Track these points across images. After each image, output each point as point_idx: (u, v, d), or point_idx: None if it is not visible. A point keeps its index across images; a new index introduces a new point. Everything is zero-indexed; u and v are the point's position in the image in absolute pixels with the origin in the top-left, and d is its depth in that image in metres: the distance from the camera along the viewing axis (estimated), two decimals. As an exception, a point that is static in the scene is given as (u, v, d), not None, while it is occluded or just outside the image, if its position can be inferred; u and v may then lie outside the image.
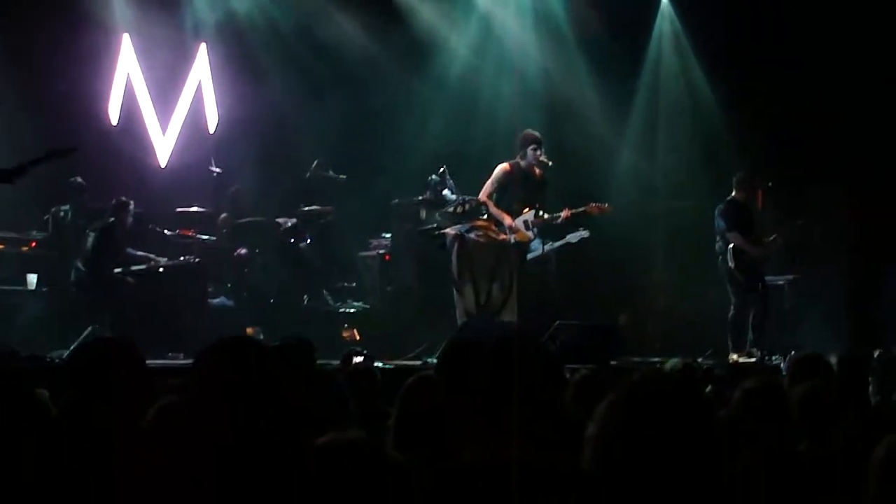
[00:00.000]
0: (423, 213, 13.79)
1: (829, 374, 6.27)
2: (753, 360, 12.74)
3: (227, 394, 3.24)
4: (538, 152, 12.51)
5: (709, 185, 15.19)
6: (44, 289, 12.89)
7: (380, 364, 10.02)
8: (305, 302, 13.89)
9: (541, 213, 12.58)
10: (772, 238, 13.43)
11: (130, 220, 13.11)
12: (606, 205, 13.10)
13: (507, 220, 12.50)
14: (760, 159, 14.80)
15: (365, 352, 9.90)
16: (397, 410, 4.74)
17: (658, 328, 15.16)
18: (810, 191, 15.28)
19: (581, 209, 12.90)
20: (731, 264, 13.17)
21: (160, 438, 3.63)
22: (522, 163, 12.60)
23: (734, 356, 12.87)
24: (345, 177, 14.79)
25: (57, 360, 10.32)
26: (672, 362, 9.42)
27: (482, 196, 12.60)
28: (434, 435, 3.71)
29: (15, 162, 9.79)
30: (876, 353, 8.67)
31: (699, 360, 12.19)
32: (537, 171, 12.65)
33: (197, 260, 13.35)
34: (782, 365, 10.66)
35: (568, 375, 5.34)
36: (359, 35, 15.75)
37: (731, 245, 13.14)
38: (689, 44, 16.72)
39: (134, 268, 12.83)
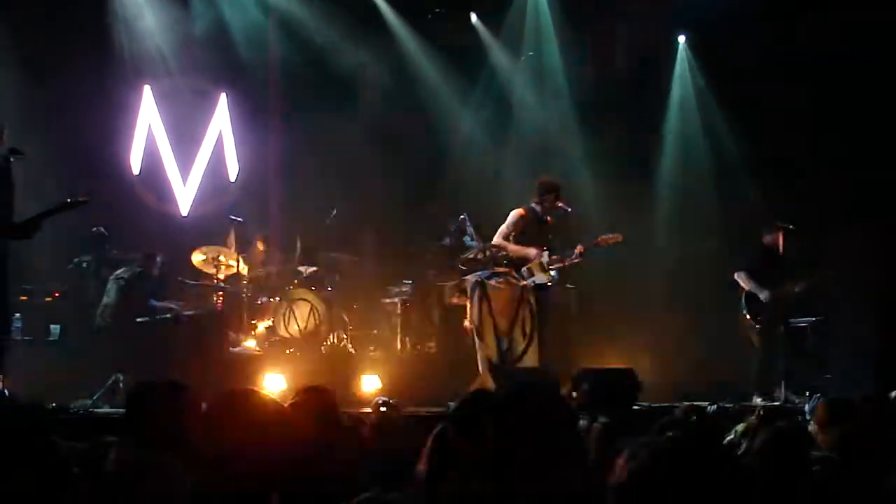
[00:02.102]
0: (443, 261, 13.82)
1: (856, 418, 6.25)
2: (777, 403, 12.70)
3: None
4: (557, 201, 12.64)
5: (730, 226, 15.23)
6: (67, 339, 12.92)
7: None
8: (325, 349, 13.87)
9: (554, 254, 12.72)
10: (792, 283, 13.48)
11: (157, 271, 13.18)
12: (617, 235, 13.14)
13: (532, 251, 12.61)
14: (781, 201, 14.82)
15: (391, 400, 9.88)
16: (425, 458, 4.73)
17: (681, 371, 15.10)
18: (833, 233, 15.26)
19: (592, 242, 12.99)
20: (743, 306, 13.33)
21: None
22: (538, 208, 12.71)
23: (757, 399, 12.82)
24: (374, 226, 14.84)
25: (81, 411, 10.36)
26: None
27: (497, 239, 12.68)
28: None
29: (33, 213, 9.87)
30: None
31: (719, 404, 12.18)
32: (549, 217, 12.80)
33: (218, 308, 13.39)
34: (806, 407, 10.62)
35: (591, 422, 5.34)
36: (376, 83, 15.91)
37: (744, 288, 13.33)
38: (706, 84, 16.82)
39: (157, 316, 12.86)
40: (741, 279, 13.58)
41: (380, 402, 9.69)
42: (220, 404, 4.09)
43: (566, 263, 12.90)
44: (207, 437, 3.90)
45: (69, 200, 9.92)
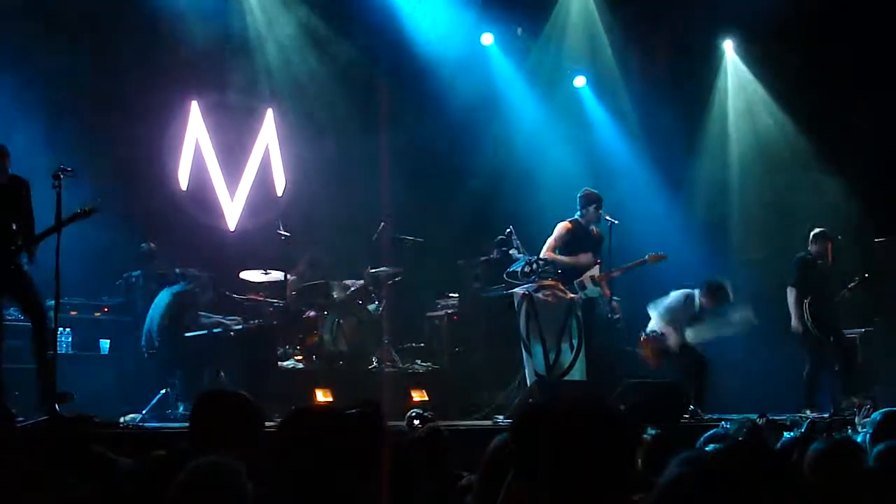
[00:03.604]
0: (490, 274, 13.84)
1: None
2: (826, 415, 12.61)
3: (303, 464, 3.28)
4: (599, 211, 12.75)
5: (781, 237, 15.16)
6: (116, 353, 13.01)
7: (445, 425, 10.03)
8: (375, 363, 13.89)
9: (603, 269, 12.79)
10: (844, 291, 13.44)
11: (206, 286, 13.24)
12: (663, 254, 13.27)
13: (584, 257, 12.69)
14: (830, 212, 14.76)
15: (426, 413, 9.87)
16: (480, 473, 4.73)
17: (728, 383, 15.01)
18: (880, 243, 15.16)
19: (639, 261, 13.10)
20: (806, 320, 13.25)
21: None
22: (582, 220, 12.80)
23: (807, 411, 12.75)
24: (421, 239, 14.86)
25: (130, 425, 10.42)
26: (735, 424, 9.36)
27: (546, 252, 12.71)
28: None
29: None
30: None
31: (769, 416, 12.10)
32: (594, 228, 12.87)
33: (268, 323, 13.45)
34: (857, 419, 10.54)
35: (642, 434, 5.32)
36: (421, 100, 16.00)
37: (804, 301, 13.24)
38: (760, 89, 16.82)
39: (207, 331, 12.92)
40: (791, 296, 13.47)
41: (412, 415, 9.68)
42: (289, 422, 4.11)
43: (616, 273, 12.99)
44: (273, 453, 3.92)
45: (79, 210, 9.98)
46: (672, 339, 13.13)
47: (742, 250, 16.43)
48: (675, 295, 13.31)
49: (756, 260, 15.86)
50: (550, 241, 12.86)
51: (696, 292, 13.18)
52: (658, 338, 13.19)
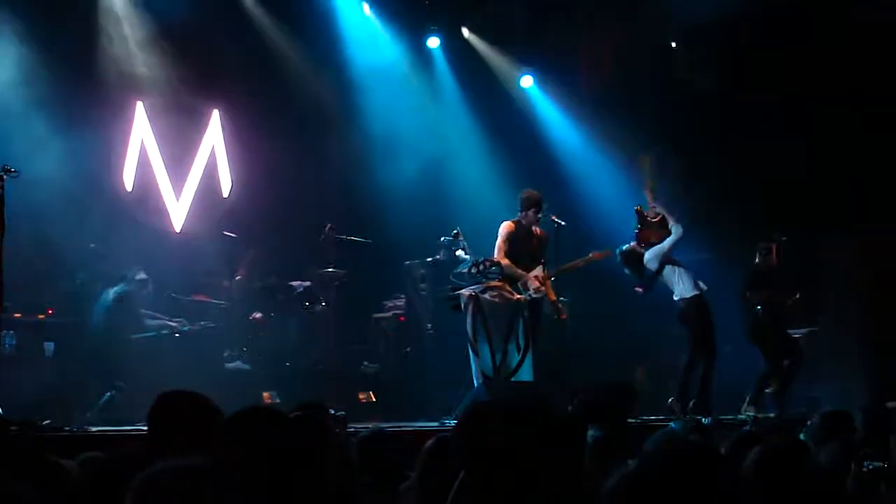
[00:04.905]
0: (437, 274, 13.83)
1: (854, 430, 6.22)
2: (772, 415, 12.71)
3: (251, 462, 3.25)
4: (539, 214, 12.71)
5: (726, 237, 15.22)
6: (61, 356, 12.88)
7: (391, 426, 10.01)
8: (320, 365, 13.85)
9: (547, 268, 12.76)
10: (784, 294, 13.50)
11: (150, 287, 13.15)
12: (607, 251, 13.28)
13: (527, 276, 12.64)
14: (769, 214, 14.87)
15: (338, 413, 9.81)
16: (418, 474, 4.72)
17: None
18: (822, 243, 15.29)
19: (583, 259, 13.12)
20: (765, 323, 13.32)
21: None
22: (524, 221, 12.76)
23: (750, 411, 12.83)
24: (368, 240, 14.82)
25: (76, 429, 10.31)
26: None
27: (497, 256, 12.66)
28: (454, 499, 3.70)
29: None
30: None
31: (715, 416, 12.19)
32: (538, 229, 12.85)
33: (212, 324, 13.38)
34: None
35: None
36: (367, 102, 16.01)
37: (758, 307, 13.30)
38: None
39: (150, 333, 12.84)
40: (756, 298, 13.47)
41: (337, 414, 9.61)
42: (236, 420, 4.07)
43: (556, 273, 12.97)
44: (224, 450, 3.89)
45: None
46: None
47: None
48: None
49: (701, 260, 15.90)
50: (499, 243, 12.74)
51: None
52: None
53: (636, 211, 13.27)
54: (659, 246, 13.01)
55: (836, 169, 14.98)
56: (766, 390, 13.34)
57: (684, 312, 13.01)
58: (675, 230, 12.87)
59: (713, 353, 12.92)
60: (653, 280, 13.15)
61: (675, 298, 13.02)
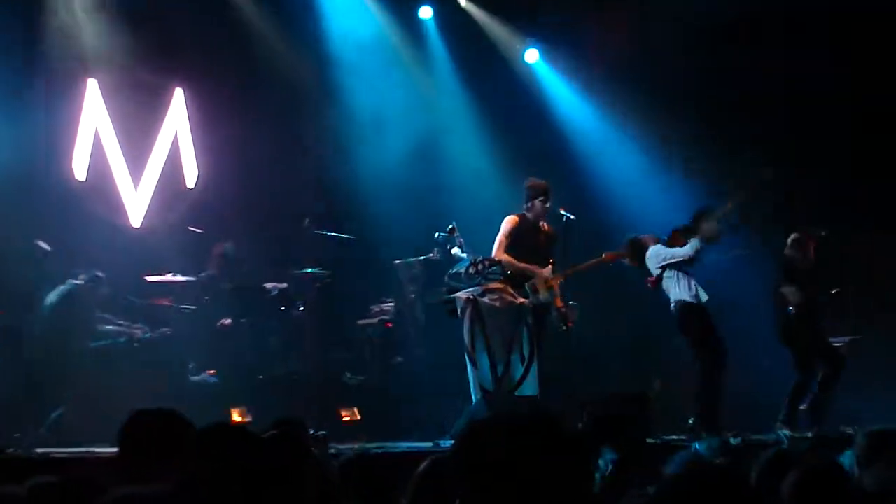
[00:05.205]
0: (430, 275, 13.83)
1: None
2: (810, 434, 12.70)
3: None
4: (548, 204, 12.67)
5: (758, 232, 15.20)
6: (4, 368, 12.84)
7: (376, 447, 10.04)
8: (297, 377, 13.86)
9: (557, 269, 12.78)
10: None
11: (104, 289, 13.15)
12: (622, 252, 13.28)
13: (537, 271, 12.65)
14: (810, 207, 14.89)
15: (319, 433, 9.83)
16: (410, 498, 4.73)
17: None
18: (868, 243, 15.29)
19: (596, 260, 13.13)
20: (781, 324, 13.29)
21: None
22: (530, 215, 12.74)
23: (786, 430, 12.81)
24: (352, 237, 14.82)
25: (19, 451, 10.30)
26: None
27: (497, 253, 12.63)
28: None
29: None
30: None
31: (744, 435, 12.20)
32: (546, 224, 12.82)
33: (175, 331, 13.37)
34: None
35: (598, 458, 5.33)
36: (352, 81, 16.01)
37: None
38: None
39: (105, 342, 12.82)
40: (790, 294, 13.40)
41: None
42: (203, 438, 4.10)
43: (567, 273, 12.98)
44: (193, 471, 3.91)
45: None
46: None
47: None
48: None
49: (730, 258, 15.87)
50: (500, 238, 12.74)
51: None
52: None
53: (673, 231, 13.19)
54: (666, 250, 12.98)
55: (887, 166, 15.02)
56: (801, 406, 13.32)
57: (680, 320, 13.00)
58: (692, 245, 12.81)
59: (722, 359, 12.86)
60: (660, 278, 13.16)
61: (671, 306, 13.00)
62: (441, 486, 4.55)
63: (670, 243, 13.00)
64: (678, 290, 12.90)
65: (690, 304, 12.81)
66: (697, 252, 12.73)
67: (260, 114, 15.49)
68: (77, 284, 12.84)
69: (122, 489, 3.63)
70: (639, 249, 13.20)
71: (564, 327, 12.98)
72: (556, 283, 12.87)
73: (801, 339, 13.31)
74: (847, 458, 6.20)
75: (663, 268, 12.93)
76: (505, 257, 12.63)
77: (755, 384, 13.76)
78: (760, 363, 14.08)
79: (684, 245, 12.82)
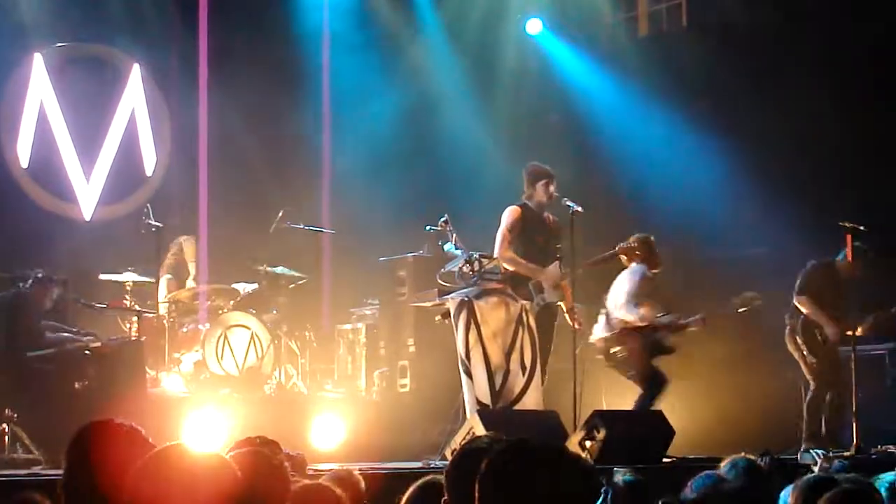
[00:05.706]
0: (419, 275, 13.86)
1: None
2: (847, 453, 12.73)
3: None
4: (551, 187, 12.62)
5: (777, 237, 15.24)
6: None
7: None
8: (270, 389, 13.89)
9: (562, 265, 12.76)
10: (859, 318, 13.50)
11: (56, 292, 13.15)
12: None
13: (543, 272, 12.63)
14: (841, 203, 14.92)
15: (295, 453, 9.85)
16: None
17: (715, 415, 15.08)
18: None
19: (610, 253, 13.12)
20: (799, 340, 13.34)
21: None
22: (532, 203, 12.67)
23: (815, 451, 12.85)
24: (332, 231, 14.85)
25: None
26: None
27: (501, 250, 12.54)
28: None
29: None
30: None
31: (773, 455, 12.21)
32: (550, 216, 12.78)
33: (135, 337, 13.39)
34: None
35: (611, 479, 5.36)
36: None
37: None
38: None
39: (54, 349, 12.82)
40: (805, 305, 13.43)
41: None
42: (146, 466, 4.10)
43: (587, 266, 13.04)
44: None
45: None
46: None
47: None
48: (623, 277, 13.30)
49: (754, 255, 15.91)
50: (503, 232, 12.58)
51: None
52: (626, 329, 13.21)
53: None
54: (630, 294, 13.08)
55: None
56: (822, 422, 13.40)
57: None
58: (640, 315, 13.06)
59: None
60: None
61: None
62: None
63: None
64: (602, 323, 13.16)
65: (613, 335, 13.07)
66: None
67: (227, 91, 15.47)
68: (23, 288, 12.84)
69: None
70: (647, 247, 13.22)
71: (572, 329, 12.97)
72: (565, 282, 12.84)
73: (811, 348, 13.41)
74: (885, 482, 6.22)
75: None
76: (509, 255, 12.57)
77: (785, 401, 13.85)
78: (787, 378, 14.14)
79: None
